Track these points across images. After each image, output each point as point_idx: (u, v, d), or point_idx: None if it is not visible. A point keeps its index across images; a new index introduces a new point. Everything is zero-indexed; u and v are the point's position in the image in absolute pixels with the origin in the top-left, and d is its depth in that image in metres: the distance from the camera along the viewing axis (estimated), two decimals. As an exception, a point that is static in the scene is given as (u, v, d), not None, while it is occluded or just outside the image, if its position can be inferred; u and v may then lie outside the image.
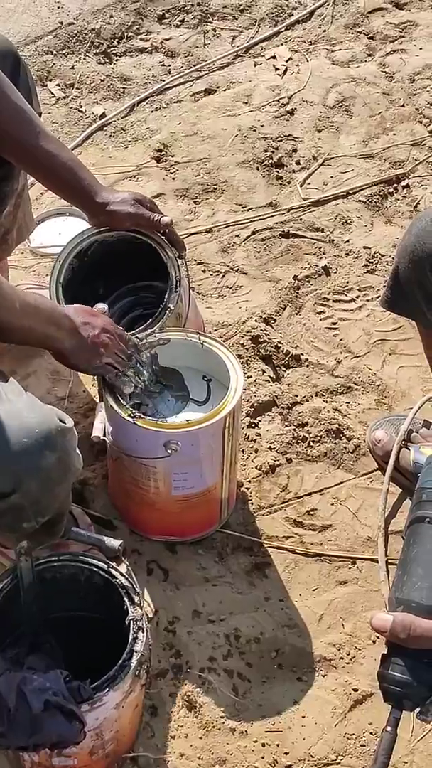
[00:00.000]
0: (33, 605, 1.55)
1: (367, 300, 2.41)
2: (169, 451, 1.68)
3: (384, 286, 1.88)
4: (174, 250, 1.87)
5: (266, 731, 1.68)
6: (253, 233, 2.55)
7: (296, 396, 2.17)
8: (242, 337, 2.24)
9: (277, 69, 3.07)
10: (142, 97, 2.96)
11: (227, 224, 2.58)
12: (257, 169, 2.74)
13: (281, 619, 1.82)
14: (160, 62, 3.10)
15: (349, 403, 2.18)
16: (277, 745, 1.67)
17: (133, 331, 1.79)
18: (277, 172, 2.73)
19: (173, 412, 1.82)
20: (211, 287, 2.43)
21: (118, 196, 1.84)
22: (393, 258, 2.07)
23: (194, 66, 3.08)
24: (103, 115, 2.90)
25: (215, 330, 2.27)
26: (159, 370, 1.82)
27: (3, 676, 1.37)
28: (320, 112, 2.91)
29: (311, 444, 2.09)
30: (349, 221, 2.60)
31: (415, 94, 2.98)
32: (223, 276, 2.45)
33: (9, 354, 2.08)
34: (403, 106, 2.94)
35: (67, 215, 2.52)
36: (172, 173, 2.72)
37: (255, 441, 2.08)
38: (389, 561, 1.86)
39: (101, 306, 1.79)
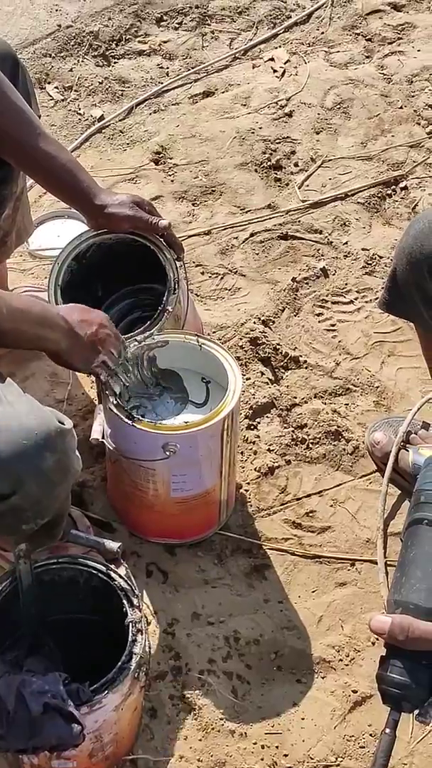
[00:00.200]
0: (32, 608, 1.55)
1: (366, 302, 2.41)
2: (168, 453, 1.68)
3: (382, 288, 1.89)
4: (172, 252, 1.87)
5: (266, 733, 1.68)
6: (252, 235, 2.56)
7: (295, 398, 2.17)
8: (241, 339, 2.25)
9: (275, 71, 3.08)
10: (140, 100, 2.96)
11: (226, 226, 2.58)
12: (255, 171, 2.74)
13: (280, 621, 1.82)
14: (158, 65, 3.11)
15: (347, 404, 2.18)
16: (277, 746, 1.67)
17: (132, 333, 1.79)
18: (276, 174, 2.74)
19: (172, 414, 1.82)
20: (209, 289, 2.43)
21: (116, 199, 1.84)
22: (391, 260, 2.08)
23: (192, 68, 3.08)
24: (101, 118, 2.90)
25: (214, 332, 2.27)
26: (158, 372, 1.82)
27: (2, 679, 1.37)
28: (318, 114, 2.92)
29: (310, 446, 2.09)
30: (347, 223, 2.60)
31: (413, 96, 2.99)
32: (222, 278, 2.46)
33: (7, 357, 2.08)
34: (401, 107, 2.95)
35: (66, 217, 2.52)
36: (170, 175, 2.72)
37: (254, 443, 2.08)
38: (388, 562, 1.86)
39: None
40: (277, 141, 2.82)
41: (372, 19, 3.29)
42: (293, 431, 2.11)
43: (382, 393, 2.21)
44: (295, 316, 2.37)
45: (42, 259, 2.44)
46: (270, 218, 2.60)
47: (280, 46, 3.18)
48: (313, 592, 1.88)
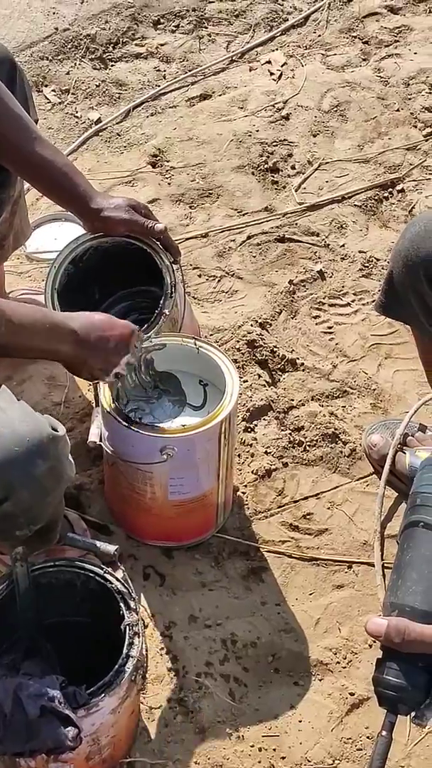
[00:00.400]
0: (29, 611, 1.55)
1: (363, 304, 2.41)
2: (165, 456, 1.68)
3: (379, 291, 1.89)
4: (169, 256, 1.87)
5: (263, 736, 1.68)
6: (249, 238, 2.56)
7: (292, 400, 2.18)
8: (238, 341, 2.25)
9: (272, 74, 3.08)
10: (137, 103, 2.96)
11: (223, 229, 2.58)
12: (252, 173, 2.74)
13: (278, 624, 1.82)
14: (155, 67, 3.11)
15: (344, 407, 2.18)
16: (274, 749, 1.67)
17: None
18: (273, 176, 2.74)
19: (170, 416, 1.82)
20: (206, 292, 2.43)
21: (112, 202, 1.84)
22: (388, 262, 2.08)
23: (189, 71, 3.08)
24: (98, 121, 2.90)
25: (211, 335, 2.27)
26: (156, 375, 1.82)
27: (-1, 682, 1.37)
28: (315, 116, 2.92)
29: (307, 448, 2.10)
30: (344, 225, 2.60)
31: (409, 99, 2.99)
32: (219, 281, 2.46)
33: (4, 360, 2.08)
34: (398, 110, 2.95)
35: (63, 220, 2.52)
36: (167, 178, 2.73)
37: (251, 445, 2.09)
38: (385, 565, 1.87)
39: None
40: (274, 144, 2.82)
41: (369, 21, 3.29)
42: (290, 434, 2.11)
43: (379, 395, 2.22)
44: (292, 318, 2.37)
45: (39, 262, 2.44)
46: (267, 221, 2.60)
47: (277, 49, 3.18)
48: (311, 594, 1.88)
